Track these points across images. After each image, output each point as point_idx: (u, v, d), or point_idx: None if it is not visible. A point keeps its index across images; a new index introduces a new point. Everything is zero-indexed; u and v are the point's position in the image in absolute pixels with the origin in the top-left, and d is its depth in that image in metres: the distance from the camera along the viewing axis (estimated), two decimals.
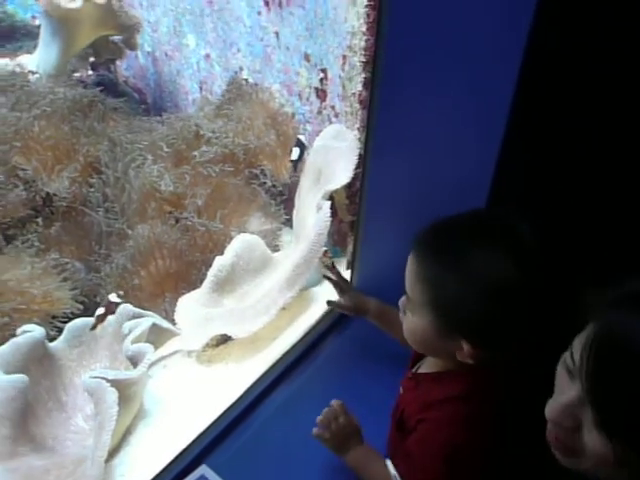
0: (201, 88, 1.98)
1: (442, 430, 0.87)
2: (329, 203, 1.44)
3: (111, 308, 1.37)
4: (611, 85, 1.08)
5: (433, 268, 0.87)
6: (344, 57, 1.51)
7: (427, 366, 1.00)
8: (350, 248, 1.62)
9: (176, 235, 1.49)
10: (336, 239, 1.77)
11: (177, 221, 1.53)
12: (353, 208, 1.64)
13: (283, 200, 1.75)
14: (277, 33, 1.63)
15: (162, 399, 1.32)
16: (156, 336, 1.37)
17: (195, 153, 1.60)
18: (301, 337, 1.46)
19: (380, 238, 1.45)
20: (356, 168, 1.51)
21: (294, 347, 1.44)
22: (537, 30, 0.95)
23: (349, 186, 1.58)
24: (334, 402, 1.05)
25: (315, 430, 1.03)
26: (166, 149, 1.57)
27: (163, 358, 1.42)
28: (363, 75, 1.47)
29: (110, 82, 2.16)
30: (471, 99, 1.09)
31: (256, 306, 1.44)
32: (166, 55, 2.08)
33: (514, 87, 1.00)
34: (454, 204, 1.20)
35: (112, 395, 1.12)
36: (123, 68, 2.28)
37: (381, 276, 1.49)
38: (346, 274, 1.56)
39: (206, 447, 1.20)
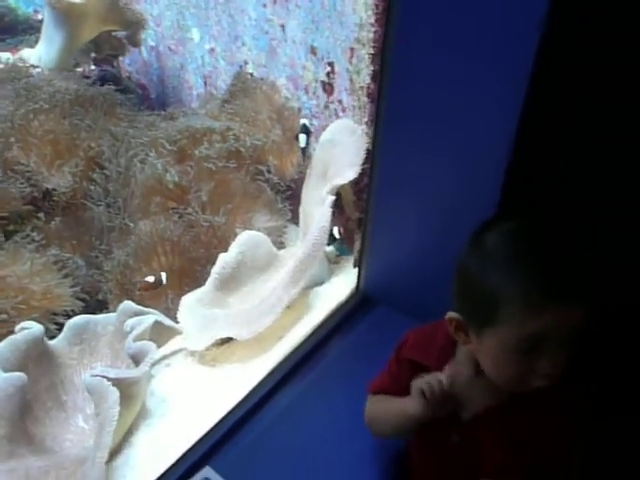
0: (205, 83, 1.95)
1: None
2: (332, 197, 1.41)
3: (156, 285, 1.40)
4: (624, 85, 1.06)
5: None
6: (352, 50, 1.49)
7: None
8: (357, 246, 1.58)
9: (179, 231, 1.46)
10: (343, 237, 1.74)
11: (180, 217, 1.49)
12: (361, 205, 1.61)
13: (289, 196, 1.72)
14: (283, 26, 1.60)
15: (165, 399, 1.29)
16: (158, 334, 1.33)
17: (199, 150, 1.56)
18: (307, 336, 1.42)
19: (389, 235, 1.42)
20: (364, 164, 1.48)
21: (300, 347, 1.40)
22: (551, 23, 0.92)
23: (356, 182, 1.54)
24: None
25: None
26: (169, 146, 1.54)
27: (166, 357, 1.39)
28: (371, 68, 1.43)
29: (113, 77, 2.12)
30: (482, 93, 1.05)
31: (261, 306, 1.41)
32: (170, 49, 2.05)
33: (527, 82, 0.98)
34: (465, 201, 1.19)
35: (113, 394, 1.09)
36: (126, 63, 2.25)
37: (389, 274, 1.47)
38: (353, 272, 1.54)
39: (210, 448, 1.16)
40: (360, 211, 1.61)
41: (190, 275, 1.47)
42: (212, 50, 1.87)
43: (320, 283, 1.62)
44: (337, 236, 1.58)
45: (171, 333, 1.40)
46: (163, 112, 1.81)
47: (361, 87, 1.49)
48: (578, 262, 0.79)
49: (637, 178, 1.10)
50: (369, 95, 1.47)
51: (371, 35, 1.40)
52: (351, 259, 1.68)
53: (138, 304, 1.36)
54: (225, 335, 1.38)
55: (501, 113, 1.03)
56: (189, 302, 1.43)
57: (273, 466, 1.14)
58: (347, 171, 1.49)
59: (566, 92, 1.05)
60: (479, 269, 0.82)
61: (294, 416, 1.25)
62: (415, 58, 1.12)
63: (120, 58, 2.24)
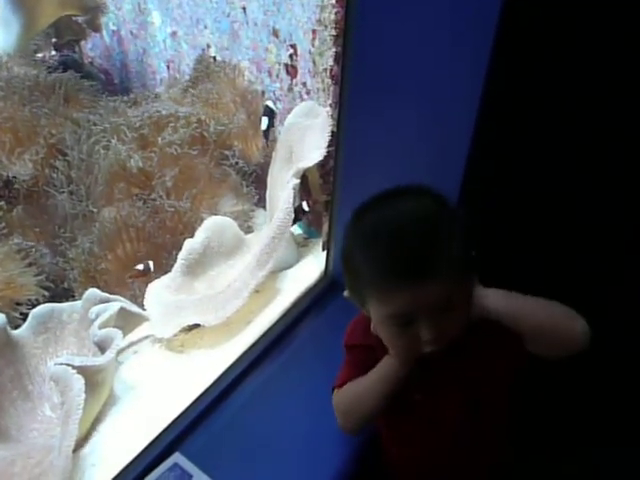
0: (168, 67, 1.92)
1: None
2: (296, 180, 1.41)
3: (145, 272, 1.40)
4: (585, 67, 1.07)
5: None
6: (314, 32, 1.48)
7: None
8: (326, 228, 1.59)
9: (144, 217, 1.44)
10: (311, 219, 1.74)
11: (145, 203, 1.48)
12: (327, 187, 1.61)
13: (255, 180, 1.71)
14: (244, 8, 1.58)
15: (133, 386, 1.28)
16: (125, 321, 1.32)
17: (162, 136, 1.54)
18: (276, 320, 1.42)
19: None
20: (329, 146, 1.47)
21: (269, 331, 1.40)
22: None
23: (322, 165, 1.54)
24: None
25: None
26: (132, 133, 1.52)
27: (133, 344, 1.38)
28: (334, 49, 1.43)
29: (74, 63, 2.08)
30: (445, 70, 1.06)
31: (227, 291, 1.40)
32: (132, 34, 2.02)
33: (488, 59, 0.98)
34: (430, 182, 1.20)
35: (78, 382, 1.08)
36: (88, 48, 2.21)
37: None
38: (322, 255, 1.54)
39: (179, 434, 1.16)
40: (327, 194, 1.61)
41: (156, 261, 1.46)
42: (174, 34, 1.84)
43: (288, 266, 1.62)
44: (306, 209, 1.57)
45: (138, 320, 1.39)
46: (126, 97, 1.78)
47: (324, 69, 1.48)
48: (422, 242, 0.80)
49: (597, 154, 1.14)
50: (332, 77, 1.47)
51: (332, 16, 1.39)
52: (320, 242, 1.68)
53: (104, 292, 1.35)
54: (192, 322, 1.37)
55: (464, 90, 1.04)
56: (155, 289, 1.42)
57: (244, 450, 1.14)
58: (312, 153, 1.48)
59: (530, 63, 1.06)
60: (350, 251, 0.86)
61: (264, 400, 1.25)
62: (377, 38, 1.11)
63: (82, 43, 2.19)
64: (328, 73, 1.48)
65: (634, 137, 1.12)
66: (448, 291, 0.81)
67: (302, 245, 1.74)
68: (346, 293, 0.93)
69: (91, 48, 2.19)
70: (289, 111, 1.60)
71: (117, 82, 2.14)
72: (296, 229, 1.77)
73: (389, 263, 0.80)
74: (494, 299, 0.89)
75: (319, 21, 1.44)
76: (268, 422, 1.19)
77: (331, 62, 1.45)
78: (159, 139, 1.50)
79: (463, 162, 1.11)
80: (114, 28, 2.08)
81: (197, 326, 1.41)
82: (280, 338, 1.39)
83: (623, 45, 1.04)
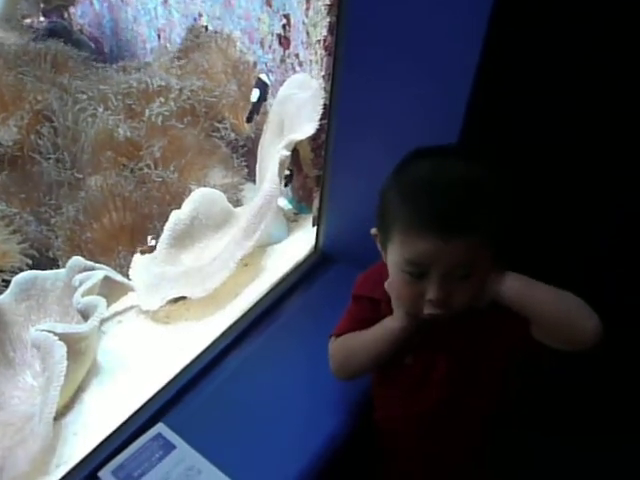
0: (159, 36, 1.89)
1: None
2: (286, 152, 1.39)
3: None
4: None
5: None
6: (308, 1, 1.44)
7: None
8: (316, 204, 1.56)
9: (131, 187, 1.42)
10: (302, 195, 1.72)
11: (132, 172, 1.46)
12: (319, 162, 1.59)
13: (246, 153, 1.69)
14: None
15: (117, 356, 1.28)
16: (109, 290, 1.31)
17: (152, 106, 1.52)
18: (265, 294, 1.41)
19: (347, 193, 1.40)
20: (321, 119, 1.45)
21: (257, 304, 1.39)
22: None
23: (314, 139, 1.52)
24: None
25: None
26: (121, 102, 1.49)
27: (118, 314, 1.37)
28: (328, 20, 1.40)
29: (64, 30, 2.04)
30: (441, 37, 1.04)
31: (214, 263, 1.39)
32: (122, 0, 1.98)
33: (486, 22, 0.97)
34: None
35: (60, 349, 1.07)
36: (78, 15, 2.16)
37: (348, 231, 1.45)
38: (312, 231, 1.53)
39: (164, 405, 1.15)
40: (318, 168, 1.59)
41: (142, 232, 1.44)
42: (165, 1, 1.81)
43: (278, 241, 1.61)
44: (287, 172, 1.57)
45: (122, 290, 1.37)
46: (115, 65, 1.75)
47: (318, 40, 1.45)
48: (461, 200, 0.82)
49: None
50: (326, 48, 1.44)
51: None
52: (310, 218, 1.67)
53: (89, 261, 1.33)
54: (178, 294, 1.36)
55: (461, 64, 1.03)
56: (141, 260, 1.41)
57: (228, 422, 1.13)
58: (304, 126, 1.46)
59: (528, 29, 1.05)
60: (387, 190, 0.90)
61: (250, 372, 1.24)
62: (373, 7, 1.10)
63: (71, 10, 2.15)
64: (322, 44, 1.45)
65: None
66: (472, 257, 0.82)
67: (292, 221, 1.72)
68: (373, 231, 0.96)
69: (81, 15, 2.15)
70: (281, 83, 1.58)
71: (107, 51, 2.10)
72: (286, 205, 1.75)
73: (425, 210, 0.82)
74: (510, 284, 0.88)
75: None
76: (254, 394, 1.19)
77: (325, 33, 1.42)
78: (147, 109, 1.47)
79: (457, 135, 1.10)
80: None
81: (183, 298, 1.39)
82: (268, 311, 1.38)
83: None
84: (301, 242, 1.58)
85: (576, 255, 1.29)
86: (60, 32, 2.02)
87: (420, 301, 0.86)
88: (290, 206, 1.75)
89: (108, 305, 1.28)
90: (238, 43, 1.64)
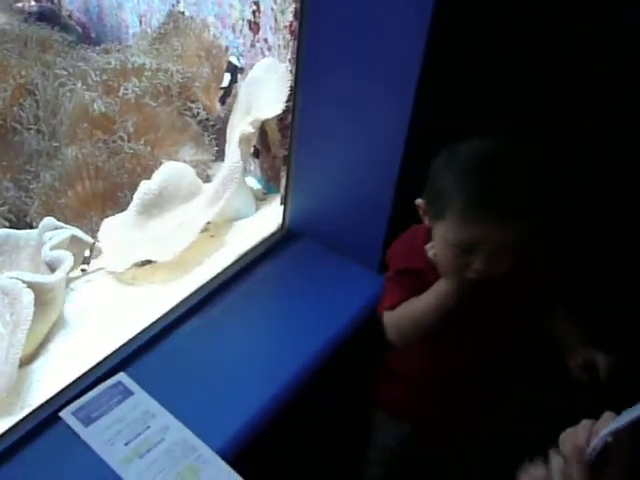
0: (141, 22, 1.98)
1: None
2: (251, 128, 1.48)
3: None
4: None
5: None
6: None
7: None
8: (284, 182, 1.63)
9: (104, 157, 1.51)
10: (270, 175, 1.79)
11: (105, 143, 1.55)
12: (286, 142, 1.67)
13: (217, 133, 1.77)
14: None
15: (83, 312, 1.34)
16: (78, 250, 1.39)
17: (127, 84, 1.60)
18: (229, 264, 1.48)
19: (311, 171, 1.48)
20: (288, 100, 1.53)
21: (221, 273, 1.46)
22: None
23: (281, 119, 1.60)
24: None
25: None
26: (98, 78, 1.58)
27: (86, 273, 1.45)
28: (294, 5, 1.49)
29: (53, 14, 2.13)
30: (393, 22, 1.13)
31: (179, 229, 1.47)
32: None
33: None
34: (380, 132, 1.26)
35: (28, 296, 1.14)
36: (67, 1, 2.25)
37: (313, 209, 1.54)
38: (279, 210, 1.61)
39: (126, 358, 1.22)
40: (286, 149, 1.67)
41: (113, 199, 1.53)
42: None
43: (245, 217, 1.68)
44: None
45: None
46: (98, 47, 1.85)
47: (285, 26, 1.55)
48: (519, 185, 0.90)
49: None
50: (292, 32, 1.53)
51: None
52: (278, 197, 1.75)
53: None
54: (144, 257, 1.44)
55: (410, 35, 1.11)
56: (111, 224, 1.49)
57: (184, 376, 1.21)
58: (270, 106, 1.55)
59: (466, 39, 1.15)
60: (441, 169, 0.96)
61: (209, 334, 1.32)
62: None
63: None
64: (288, 29, 1.54)
65: None
66: (520, 239, 0.92)
67: (261, 199, 1.79)
68: (419, 201, 1.03)
69: (70, 1, 2.24)
70: (251, 67, 1.66)
71: (93, 36, 2.19)
72: (255, 184, 1.83)
73: (486, 195, 0.89)
74: None
75: None
76: (211, 354, 1.27)
77: (291, 17, 1.51)
78: (122, 87, 1.56)
79: (410, 111, 1.18)
80: None
81: (150, 262, 1.47)
82: (232, 280, 1.45)
83: None
84: (268, 219, 1.65)
85: None
86: (49, 16, 2.11)
87: (463, 269, 0.95)
88: (259, 185, 1.83)
89: (75, 264, 1.35)
90: (212, 28, 1.72)
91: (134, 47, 1.82)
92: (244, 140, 1.51)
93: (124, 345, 1.25)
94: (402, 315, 1.08)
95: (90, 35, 2.20)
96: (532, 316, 1.15)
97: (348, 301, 1.39)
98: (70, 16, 2.22)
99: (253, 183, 1.83)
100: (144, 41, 1.81)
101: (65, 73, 1.61)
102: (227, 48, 1.71)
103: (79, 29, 2.18)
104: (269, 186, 1.82)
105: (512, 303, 1.07)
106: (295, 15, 1.50)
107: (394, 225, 1.33)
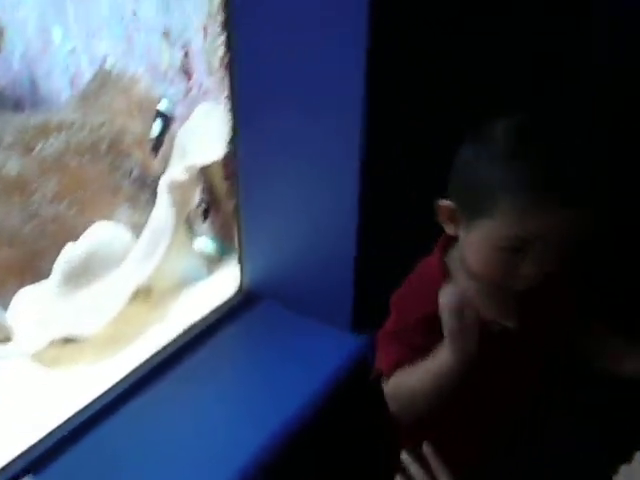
0: (72, 84, 1.87)
1: None
2: (183, 173, 1.33)
3: None
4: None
5: None
6: (205, 28, 1.43)
7: None
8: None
9: (20, 221, 1.34)
10: (224, 234, 1.63)
11: (22, 207, 1.39)
12: (234, 190, 1.52)
13: (155, 191, 1.62)
14: (134, 11, 1.55)
15: None
16: None
17: (47, 142, 1.47)
18: (178, 335, 1.29)
19: (264, 226, 1.35)
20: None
21: (167, 346, 1.26)
22: None
23: (225, 164, 1.44)
24: None
25: None
26: (11, 137, 1.45)
27: None
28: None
29: None
30: (328, 39, 1.04)
31: (104, 298, 1.30)
32: (36, 56, 1.97)
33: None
34: (329, 160, 1.14)
35: None
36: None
37: (272, 267, 1.39)
38: (236, 270, 1.43)
39: (36, 459, 1.02)
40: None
41: (32, 269, 1.35)
42: (74, 50, 1.80)
43: (194, 282, 1.53)
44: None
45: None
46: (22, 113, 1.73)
47: (221, 65, 1.43)
48: (582, 161, 0.77)
49: None
50: (225, 68, 1.41)
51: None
52: (233, 256, 1.58)
53: None
54: (64, 334, 1.26)
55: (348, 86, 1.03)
56: (25, 297, 1.31)
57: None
58: (207, 151, 1.42)
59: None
60: (473, 160, 0.81)
61: (150, 421, 1.12)
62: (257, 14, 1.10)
63: None
64: (224, 68, 1.43)
65: None
66: (582, 231, 0.77)
67: (217, 262, 1.63)
68: (445, 203, 0.85)
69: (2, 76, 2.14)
70: (188, 115, 1.54)
71: (27, 108, 2.08)
72: (208, 245, 1.67)
73: (544, 177, 0.75)
74: None
75: (209, 14, 1.40)
76: (151, 446, 1.06)
77: (222, 53, 1.40)
78: (40, 145, 1.42)
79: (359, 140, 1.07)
80: (19, 51, 2.03)
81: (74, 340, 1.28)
82: (178, 354, 1.25)
83: None
84: (224, 282, 1.48)
85: None
86: None
87: (510, 276, 0.80)
88: (211, 248, 1.66)
89: None
90: (143, 80, 1.61)
91: (61, 108, 1.70)
92: (177, 189, 1.35)
93: (38, 443, 1.04)
94: (401, 385, 0.89)
95: (24, 109, 2.09)
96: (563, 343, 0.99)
97: (318, 367, 1.22)
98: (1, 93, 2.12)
99: (205, 245, 1.66)
100: (71, 101, 1.70)
101: None
102: (160, 99, 1.59)
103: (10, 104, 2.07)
104: (222, 247, 1.65)
105: (542, 334, 0.93)
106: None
107: (363, 274, 1.20)
